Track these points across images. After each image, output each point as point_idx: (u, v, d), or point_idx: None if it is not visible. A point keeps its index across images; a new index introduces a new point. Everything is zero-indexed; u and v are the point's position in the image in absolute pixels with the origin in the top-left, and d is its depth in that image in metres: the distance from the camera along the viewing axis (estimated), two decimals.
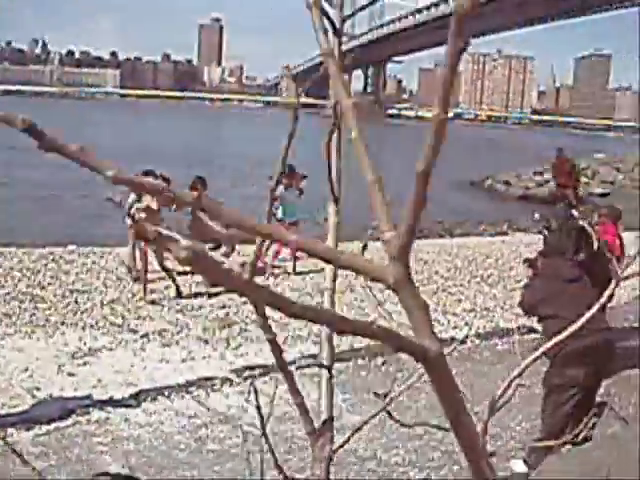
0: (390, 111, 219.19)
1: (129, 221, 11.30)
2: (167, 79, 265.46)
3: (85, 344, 8.44)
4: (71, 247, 13.44)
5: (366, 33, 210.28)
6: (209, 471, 5.63)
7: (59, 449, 5.80)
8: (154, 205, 9.99)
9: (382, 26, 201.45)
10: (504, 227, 24.32)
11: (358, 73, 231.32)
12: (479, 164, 49.97)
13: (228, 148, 45.31)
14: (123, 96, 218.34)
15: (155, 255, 10.30)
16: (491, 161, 52.25)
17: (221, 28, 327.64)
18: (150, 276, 11.40)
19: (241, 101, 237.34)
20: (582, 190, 34.77)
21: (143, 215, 10.01)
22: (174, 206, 10.61)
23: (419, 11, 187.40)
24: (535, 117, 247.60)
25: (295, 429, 6.49)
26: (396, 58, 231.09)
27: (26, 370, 7.56)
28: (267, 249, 12.51)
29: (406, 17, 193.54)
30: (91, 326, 9.11)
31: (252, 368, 7.94)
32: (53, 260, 12.21)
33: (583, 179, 36.38)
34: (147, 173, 10.86)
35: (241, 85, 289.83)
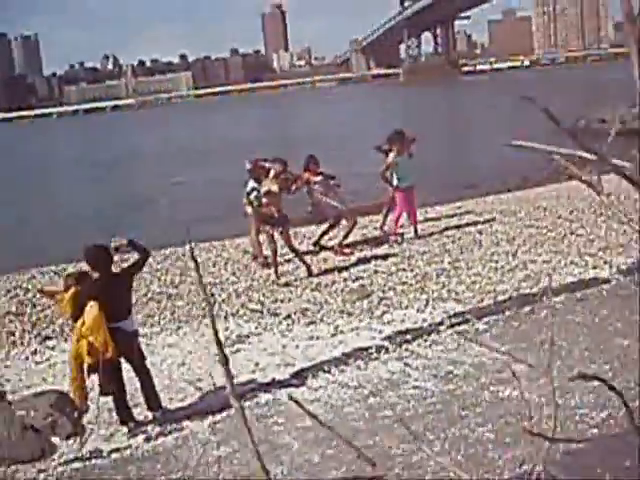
0: (465, 68, 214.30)
1: (249, 209, 11.37)
2: (238, 73, 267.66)
3: (232, 332, 8.55)
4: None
5: None
6: (391, 436, 5.58)
7: (238, 434, 5.86)
8: (275, 188, 10.00)
9: None
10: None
11: (428, 35, 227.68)
12: (568, 106, 48.44)
13: (314, 129, 45.21)
14: (198, 96, 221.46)
15: (282, 237, 10.32)
16: (580, 102, 50.59)
17: (283, 14, 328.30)
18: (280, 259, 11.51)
19: (313, 82, 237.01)
20: None
21: (265, 200, 10.03)
22: (294, 187, 10.64)
23: None
24: (616, 50, 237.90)
25: (464, 387, 6.40)
26: (463, 14, 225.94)
27: (183, 364, 7.71)
28: (385, 217, 12.45)
29: None
30: (232, 315, 9.22)
31: (403, 333, 7.87)
32: (177, 259, 12.43)
33: None
34: (264, 160, 10.96)
35: (312, 66, 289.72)
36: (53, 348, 8.86)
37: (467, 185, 20.74)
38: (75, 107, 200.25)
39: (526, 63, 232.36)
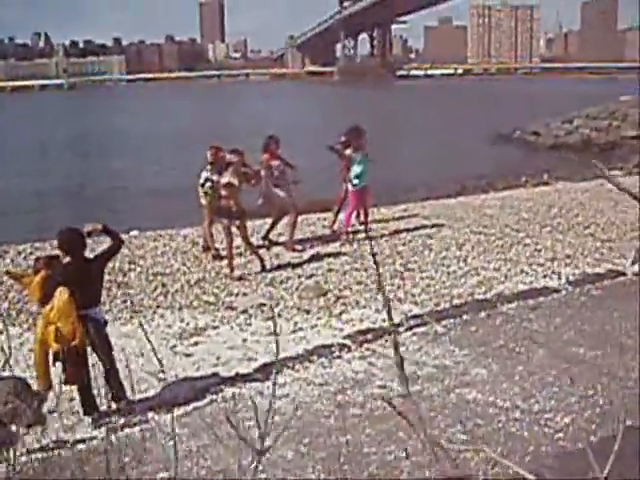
0: (399, 72, 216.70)
1: (203, 200, 11.26)
2: (173, 60, 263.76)
3: (188, 324, 8.45)
4: (134, 232, 13.42)
5: None
6: (362, 435, 5.61)
7: (206, 428, 5.80)
8: (235, 181, 9.91)
9: None
10: (544, 177, 24.10)
11: (364, 36, 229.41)
12: (502, 117, 49.52)
13: (251, 122, 44.97)
14: (130, 81, 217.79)
15: (239, 231, 10.25)
16: (514, 113, 51.73)
17: (221, 4, 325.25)
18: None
19: (248, 75, 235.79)
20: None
21: (224, 192, 9.92)
22: (253, 181, 10.56)
23: None
24: (546, 65, 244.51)
25: (430, 388, 6.48)
26: (400, 18, 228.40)
27: (142, 355, 7.57)
28: (336, 215, 12.47)
29: None
30: (187, 307, 9.11)
31: (363, 332, 7.92)
32: (125, 247, 12.18)
33: (614, 122, 36.02)
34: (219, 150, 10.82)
35: (247, 59, 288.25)
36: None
37: (407, 188, 21.06)
38: (1, 84, 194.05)
39: (459, 71, 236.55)
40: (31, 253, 11.87)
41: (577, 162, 28.64)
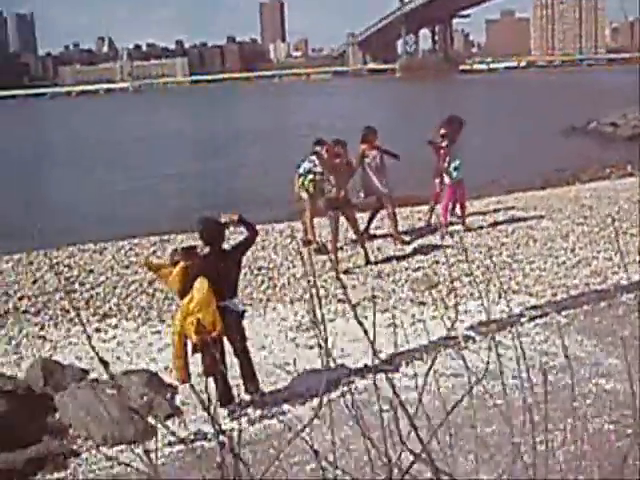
0: (461, 67, 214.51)
1: (304, 194, 11.25)
2: (235, 61, 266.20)
3: (303, 317, 8.44)
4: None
5: None
6: (507, 426, 5.48)
7: (347, 419, 5.75)
8: (344, 172, 9.85)
9: None
10: (628, 168, 23.50)
11: (425, 32, 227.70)
12: (571, 109, 48.54)
13: (322, 119, 45.05)
14: (194, 82, 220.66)
15: (349, 222, 10.21)
16: (583, 105, 50.66)
17: (282, 4, 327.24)
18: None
19: (309, 75, 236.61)
20: None
21: (330, 186, 9.88)
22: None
23: None
24: (612, 56, 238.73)
25: (566, 378, 6.31)
26: (462, 12, 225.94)
27: (264, 347, 7.59)
28: (432, 210, 12.32)
29: None
30: (298, 300, 9.11)
31: (485, 324, 7.79)
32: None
33: None
34: (319, 142, 10.78)
35: (308, 58, 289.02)
36: (116, 326, 8.72)
37: (487, 181, 20.73)
38: (68, 88, 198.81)
39: (523, 64, 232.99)
40: (131, 249, 12.10)
41: None
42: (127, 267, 11.10)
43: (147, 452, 5.03)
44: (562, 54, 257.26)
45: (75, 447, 5.56)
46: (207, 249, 6.10)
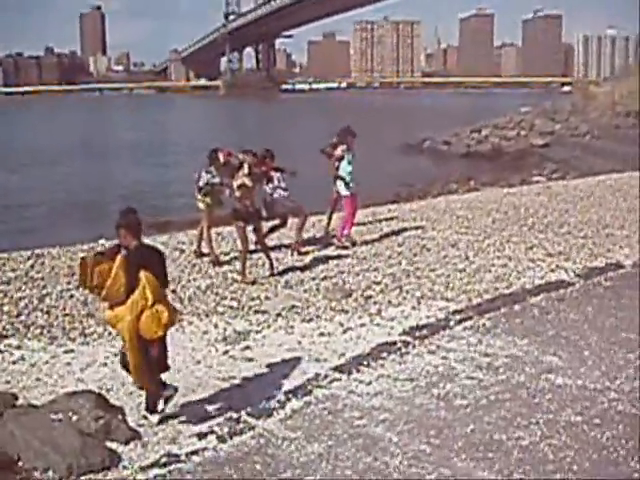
0: (284, 86, 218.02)
1: (201, 204, 10.94)
2: (52, 73, 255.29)
3: (225, 330, 8.08)
4: (102, 241, 12.83)
5: (253, 10, 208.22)
6: (484, 424, 5.52)
7: (319, 430, 5.58)
8: (249, 182, 9.62)
9: (269, 1, 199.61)
10: (471, 184, 24.77)
11: (250, 50, 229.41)
12: (398, 128, 50.61)
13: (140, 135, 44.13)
14: (7, 94, 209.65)
15: (256, 233, 9.98)
16: (408, 124, 53.07)
17: (103, 16, 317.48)
18: (225, 257, 11.14)
19: (131, 89, 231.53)
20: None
21: (238, 194, 9.62)
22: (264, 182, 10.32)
23: None
24: (427, 80, 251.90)
25: (515, 376, 6.46)
26: (285, 33, 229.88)
27: (199, 362, 7.21)
28: (330, 218, 12.36)
29: None
30: (213, 312, 8.73)
31: (416, 329, 7.84)
32: None
33: (522, 132, 37.37)
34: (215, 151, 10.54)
35: (129, 73, 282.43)
36: (19, 347, 7.90)
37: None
38: None
39: (343, 85, 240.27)
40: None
41: (490, 169, 29.76)
42: (7, 283, 10.23)
43: None
44: (380, 77, 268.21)
45: None
46: (135, 242, 5.61)
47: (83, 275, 5.68)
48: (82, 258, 5.75)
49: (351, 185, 11.79)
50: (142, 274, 5.46)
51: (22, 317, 8.81)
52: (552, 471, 4.91)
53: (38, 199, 24.22)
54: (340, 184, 11.83)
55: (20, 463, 5.12)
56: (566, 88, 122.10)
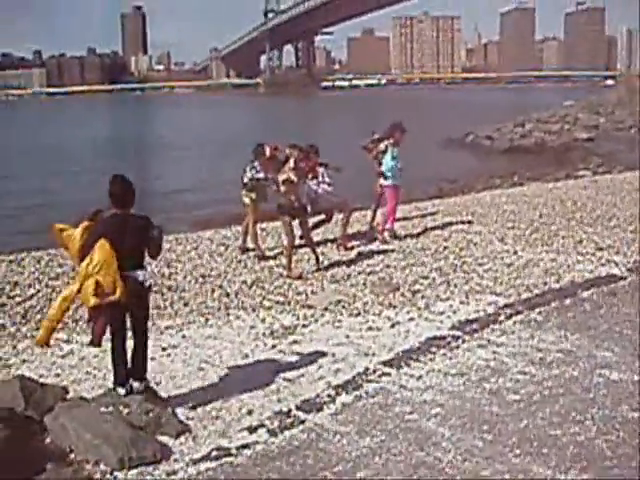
0: (323, 83, 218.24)
1: (247, 199, 10.95)
2: (95, 73, 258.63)
3: (272, 324, 8.05)
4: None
5: (293, 7, 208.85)
6: (537, 419, 5.41)
7: (371, 424, 5.51)
8: (294, 177, 9.58)
9: None
10: (515, 178, 24.46)
11: (289, 48, 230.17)
12: (440, 123, 50.31)
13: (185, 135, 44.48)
14: (50, 94, 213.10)
15: (302, 228, 9.95)
16: (450, 119, 52.67)
17: (144, 16, 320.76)
18: (270, 253, 11.14)
19: (172, 88, 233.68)
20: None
21: (284, 188, 9.59)
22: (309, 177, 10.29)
23: None
24: (467, 75, 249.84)
25: (569, 371, 6.34)
26: (325, 30, 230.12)
27: (247, 356, 7.20)
28: (374, 212, 12.29)
29: None
30: (260, 307, 8.72)
31: (465, 323, 7.74)
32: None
33: (566, 126, 36.83)
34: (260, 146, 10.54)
35: (170, 72, 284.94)
36: (68, 341, 7.99)
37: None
38: None
39: (383, 81, 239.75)
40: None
41: (534, 164, 29.35)
42: (56, 278, 10.36)
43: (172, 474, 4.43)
44: (420, 72, 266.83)
45: (86, 473, 4.99)
46: (112, 210, 5.58)
47: (58, 239, 5.79)
48: (51, 225, 5.85)
49: (395, 177, 11.67)
50: (98, 242, 5.38)
51: (70, 311, 8.88)
52: (609, 467, 4.78)
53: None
54: (382, 179, 11.76)
55: (72, 455, 5.15)
56: (609, 82, 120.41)
